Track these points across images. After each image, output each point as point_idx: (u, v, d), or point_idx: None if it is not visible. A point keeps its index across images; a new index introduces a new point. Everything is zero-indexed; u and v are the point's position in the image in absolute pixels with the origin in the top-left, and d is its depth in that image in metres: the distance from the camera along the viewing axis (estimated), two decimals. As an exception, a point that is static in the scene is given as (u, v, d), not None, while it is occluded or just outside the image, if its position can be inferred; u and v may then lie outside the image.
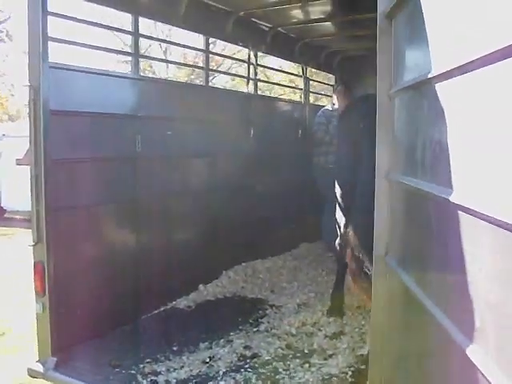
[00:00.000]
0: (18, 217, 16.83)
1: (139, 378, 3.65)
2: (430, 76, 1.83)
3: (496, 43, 1.19)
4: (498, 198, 1.22)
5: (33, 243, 3.76)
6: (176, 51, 23.23)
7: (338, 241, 4.82)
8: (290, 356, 4.01)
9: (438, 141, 1.76)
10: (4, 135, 16.10)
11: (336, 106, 6.46)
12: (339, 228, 4.79)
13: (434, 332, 1.80)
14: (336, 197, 4.75)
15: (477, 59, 1.34)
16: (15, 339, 5.53)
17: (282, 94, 15.84)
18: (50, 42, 3.71)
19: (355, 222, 4.15)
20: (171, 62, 16.71)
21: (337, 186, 4.73)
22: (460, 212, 1.51)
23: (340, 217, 4.74)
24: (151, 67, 22.44)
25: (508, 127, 1.18)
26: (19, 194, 14.10)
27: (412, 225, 2.28)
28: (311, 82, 7.90)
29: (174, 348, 4.13)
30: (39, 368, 3.79)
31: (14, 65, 27.54)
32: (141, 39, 4.93)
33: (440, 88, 1.76)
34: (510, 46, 1.13)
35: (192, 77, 21.38)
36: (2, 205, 16.19)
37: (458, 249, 1.53)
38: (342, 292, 4.96)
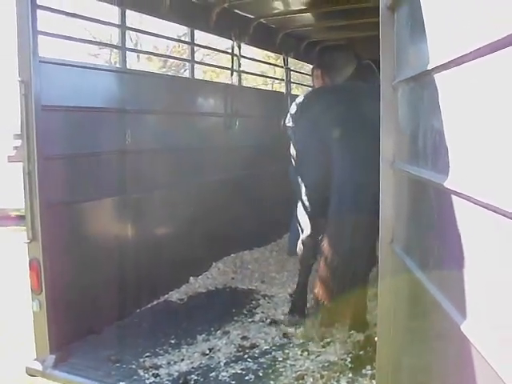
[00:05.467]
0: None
1: (141, 372, 3.64)
2: (430, 67, 1.88)
3: (494, 34, 1.24)
4: (497, 186, 1.27)
5: (28, 241, 3.72)
6: (146, 43, 22.99)
7: (300, 245, 4.53)
8: (289, 345, 4.05)
9: (440, 131, 1.81)
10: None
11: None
12: (301, 231, 4.54)
13: (436, 315, 1.86)
14: (300, 195, 4.47)
15: (473, 51, 1.39)
16: (8, 339, 5.48)
17: (256, 85, 15.84)
18: (39, 36, 3.66)
19: (333, 230, 3.94)
20: (158, 55, 16.58)
21: (302, 184, 4.43)
22: (459, 199, 1.57)
23: (304, 219, 4.46)
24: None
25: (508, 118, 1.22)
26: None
27: (415, 212, 2.34)
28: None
29: (172, 341, 4.13)
30: (38, 366, 3.76)
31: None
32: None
33: (440, 79, 1.81)
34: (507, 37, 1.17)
35: (164, 69, 21.18)
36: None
37: (458, 236, 1.59)
38: (306, 295, 4.69)
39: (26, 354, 4.05)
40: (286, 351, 3.93)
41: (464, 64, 1.50)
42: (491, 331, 1.32)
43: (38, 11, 3.63)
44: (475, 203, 1.40)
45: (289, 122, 6.25)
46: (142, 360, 3.80)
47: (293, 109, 6.28)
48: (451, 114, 1.70)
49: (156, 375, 3.60)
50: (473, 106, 1.46)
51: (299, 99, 6.33)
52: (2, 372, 4.64)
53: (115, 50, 4.42)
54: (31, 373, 3.81)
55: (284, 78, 7.59)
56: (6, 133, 12.10)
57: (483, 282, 1.38)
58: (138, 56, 21.74)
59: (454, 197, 1.63)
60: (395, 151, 2.57)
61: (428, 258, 2.02)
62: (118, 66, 4.75)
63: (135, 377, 3.58)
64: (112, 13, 4.78)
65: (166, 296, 5.10)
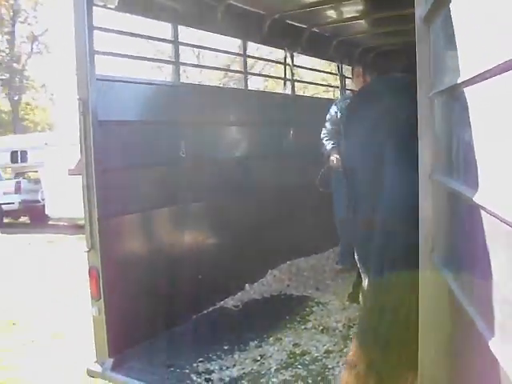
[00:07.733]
0: (61, 223, 17.31)
1: (193, 376, 3.76)
2: (463, 80, 1.88)
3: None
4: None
5: (87, 249, 3.92)
6: (207, 55, 23.45)
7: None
8: (339, 353, 4.06)
9: (473, 144, 1.79)
10: (46, 144, 16.50)
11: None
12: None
13: (468, 331, 1.84)
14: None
15: (504, 62, 1.38)
16: (69, 341, 5.73)
17: (315, 93, 15.88)
18: (96, 56, 3.86)
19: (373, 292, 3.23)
20: (212, 68, 16.78)
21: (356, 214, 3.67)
22: (489, 216, 1.55)
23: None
24: (184, 72, 22.68)
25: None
26: (62, 201, 14.55)
27: (451, 224, 2.32)
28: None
29: (225, 347, 4.23)
30: (97, 368, 3.95)
31: (53, 76, 28.13)
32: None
33: (473, 91, 1.80)
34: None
35: (225, 80, 21.55)
36: (46, 212, 16.60)
37: (487, 252, 1.57)
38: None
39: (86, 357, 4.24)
40: (337, 360, 3.95)
41: (498, 76, 1.49)
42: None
43: (95, 31, 3.84)
44: (504, 222, 1.39)
45: (326, 136, 5.91)
46: (195, 365, 3.92)
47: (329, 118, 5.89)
48: (486, 126, 1.69)
49: (208, 380, 3.71)
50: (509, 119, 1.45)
51: (334, 109, 5.87)
52: (63, 374, 4.87)
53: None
54: (92, 374, 4.01)
55: (339, 85, 7.62)
56: (71, 147, 12.68)
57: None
58: (200, 70, 22.29)
59: (483, 212, 1.63)
60: (433, 163, 2.57)
61: (462, 272, 2.02)
62: (171, 80, 4.91)
63: (188, 381, 3.70)
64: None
65: (222, 303, 5.21)
